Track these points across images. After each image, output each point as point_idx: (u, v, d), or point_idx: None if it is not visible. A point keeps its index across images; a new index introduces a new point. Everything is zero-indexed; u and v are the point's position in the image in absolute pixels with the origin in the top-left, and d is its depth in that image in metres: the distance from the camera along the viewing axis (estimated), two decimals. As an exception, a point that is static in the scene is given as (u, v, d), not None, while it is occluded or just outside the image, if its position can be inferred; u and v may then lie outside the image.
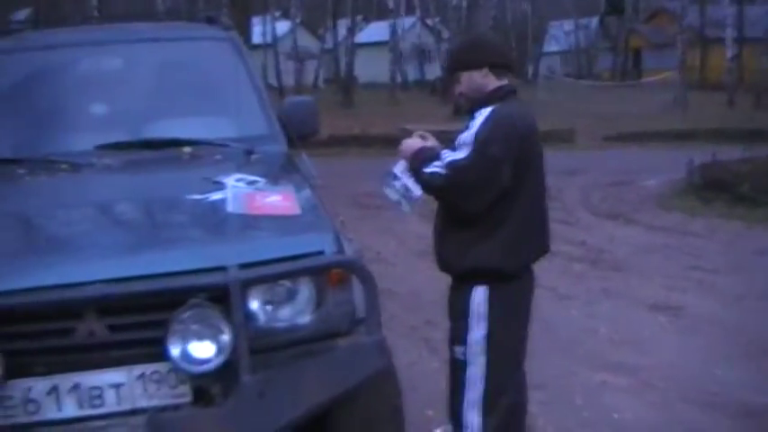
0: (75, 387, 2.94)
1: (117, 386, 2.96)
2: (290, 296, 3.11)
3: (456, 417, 3.77)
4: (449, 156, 3.56)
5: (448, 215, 3.74)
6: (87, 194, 3.79)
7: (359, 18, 44.05)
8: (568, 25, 55.42)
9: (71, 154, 4.11)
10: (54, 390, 2.93)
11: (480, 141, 3.50)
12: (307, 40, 44.96)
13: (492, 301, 3.65)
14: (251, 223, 3.33)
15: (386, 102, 36.30)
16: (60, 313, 2.94)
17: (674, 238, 10.23)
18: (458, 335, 3.74)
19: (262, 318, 3.08)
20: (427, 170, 3.57)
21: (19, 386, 2.91)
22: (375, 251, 8.85)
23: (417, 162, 3.63)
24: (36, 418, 2.92)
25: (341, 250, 3.21)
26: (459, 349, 3.73)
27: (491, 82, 3.69)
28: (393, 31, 39.03)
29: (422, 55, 49.85)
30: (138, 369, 2.97)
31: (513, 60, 4.11)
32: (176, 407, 2.98)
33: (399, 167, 3.72)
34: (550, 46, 56.96)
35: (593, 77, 49.70)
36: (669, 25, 44.50)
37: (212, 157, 4.11)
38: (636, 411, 4.98)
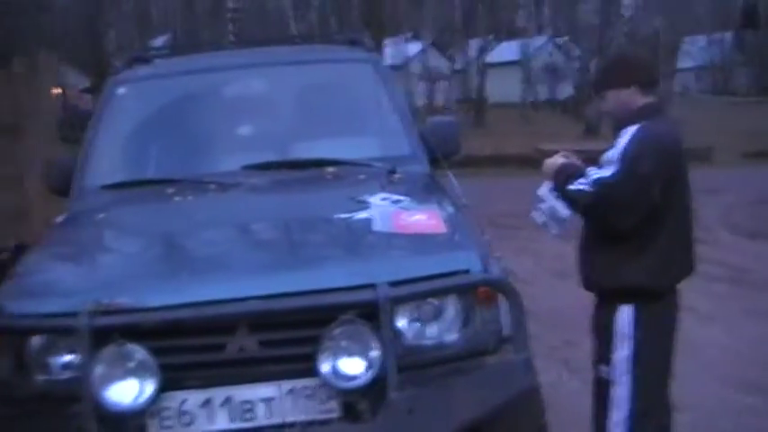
0: (228, 400, 3.01)
1: (268, 400, 3.01)
2: (438, 314, 3.12)
3: (601, 437, 3.72)
4: (595, 173, 3.53)
5: (595, 233, 3.70)
6: (236, 213, 3.89)
7: (489, 38, 43.99)
8: (702, 40, 54.05)
9: (219, 174, 4.22)
10: (207, 403, 3.01)
11: (629, 159, 3.46)
12: (437, 61, 45.12)
13: (638, 321, 3.60)
14: (397, 242, 3.35)
15: (517, 121, 36.06)
16: (215, 328, 3.02)
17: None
18: (603, 354, 3.70)
19: (410, 335, 3.10)
20: (573, 187, 3.55)
21: (174, 398, 3.00)
22: (511, 271, 8.76)
23: (562, 178, 3.61)
24: (190, 429, 3.01)
25: (487, 268, 3.21)
26: (603, 369, 3.70)
27: (638, 99, 3.65)
28: (524, 51, 38.78)
29: (553, 74, 49.40)
30: (288, 384, 3.01)
31: (659, 76, 4.04)
32: (325, 422, 3.01)
33: (544, 189, 3.70)
34: (684, 62, 55.60)
35: (729, 93, 48.30)
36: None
37: (356, 177, 4.15)
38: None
